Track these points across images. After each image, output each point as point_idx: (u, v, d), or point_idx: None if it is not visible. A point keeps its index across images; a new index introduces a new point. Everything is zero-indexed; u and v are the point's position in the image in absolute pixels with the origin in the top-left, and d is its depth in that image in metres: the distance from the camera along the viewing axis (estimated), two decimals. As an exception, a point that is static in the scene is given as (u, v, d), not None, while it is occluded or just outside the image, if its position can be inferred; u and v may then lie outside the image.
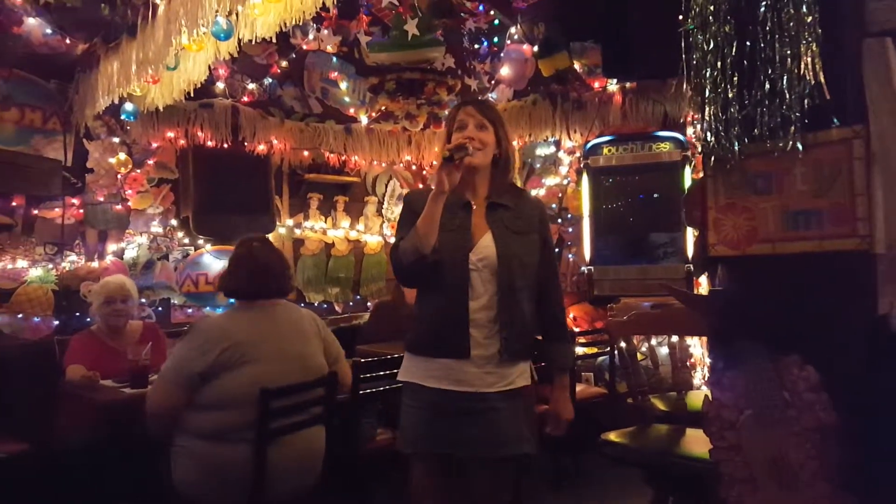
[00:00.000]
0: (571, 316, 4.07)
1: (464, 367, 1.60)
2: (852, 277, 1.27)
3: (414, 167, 4.82)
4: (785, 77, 1.30)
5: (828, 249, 1.27)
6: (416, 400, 1.65)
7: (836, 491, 1.24)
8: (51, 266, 3.43)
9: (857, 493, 1.21)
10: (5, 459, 2.48)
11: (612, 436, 2.01)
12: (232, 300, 3.57)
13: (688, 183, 3.41)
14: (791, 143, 1.29)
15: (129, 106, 3.31)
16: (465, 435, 1.58)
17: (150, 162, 3.87)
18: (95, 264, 3.58)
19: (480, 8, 3.62)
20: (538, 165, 4.36)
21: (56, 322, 3.38)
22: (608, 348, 3.38)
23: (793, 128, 1.29)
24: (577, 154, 4.03)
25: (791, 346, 1.29)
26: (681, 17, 1.42)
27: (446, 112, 4.21)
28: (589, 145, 3.74)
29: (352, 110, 4.46)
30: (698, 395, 2.43)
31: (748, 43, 1.33)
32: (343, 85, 4.20)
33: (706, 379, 3.37)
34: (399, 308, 3.34)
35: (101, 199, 3.67)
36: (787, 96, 1.29)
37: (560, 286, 1.80)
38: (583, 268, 3.90)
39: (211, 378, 1.89)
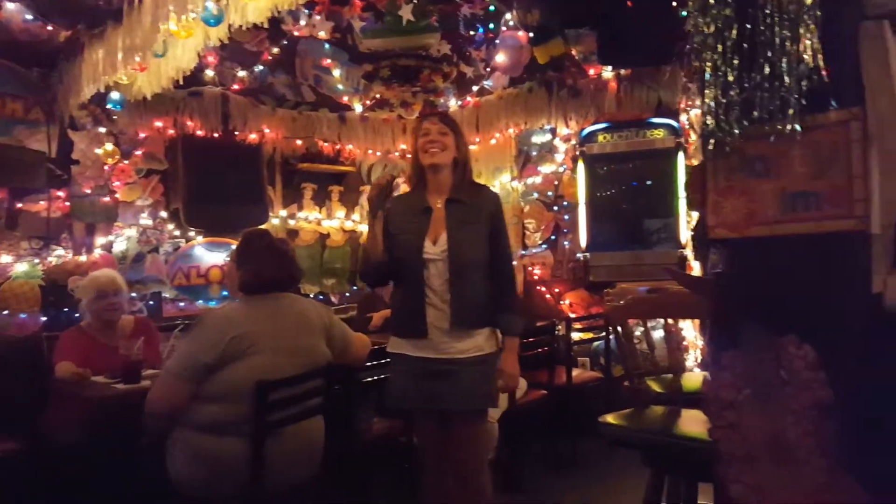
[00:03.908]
0: (567, 302, 4.09)
1: (435, 339, 1.96)
2: (849, 257, 1.28)
3: (409, 156, 4.79)
4: (784, 60, 1.30)
5: (825, 230, 1.28)
6: (402, 365, 2.02)
7: (834, 467, 1.26)
8: (37, 261, 3.36)
9: (854, 470, 1.23)
10: (-4, 458, 2.46)
11: (610, 418, 2.02)
12: (225, 293, 3.53)
13: (681, 169, 3.43)
14: (790, 125, 1.30)
15: (115, 95, 3.25)
16: (442, 392, 1.94)
17: (139, 152, 3.81)
18: (83, 258, 3.52)
19: (475, -6, 3.59)
20: (534, 153, 4.36)
21: (44, 318, 3.32)
22: (603, 333, 3.42)
23: (791, 110, 1.29)
24: (573, 141, 4.03)
25: (789, 325, 1.30)
26: (675, 3, 1.42)
27: (442, 100, 4.21)
28: (584, 132, 3.75)
29: (345, 98, 4.40)
30: (693, 377, 2.46)
31: (748, 26, 1.33)
32: (336, 72, 4.15)
33: (700, 361, 3.42)
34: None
35: (88, 191, 3.61)
36: (786, 79, 1.30)
37: (510, 267, 2.13)
38: (578, 254, 3.93)
39: (217, 369, 1.87)
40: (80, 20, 3.07)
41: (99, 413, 2.28)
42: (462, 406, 1.96)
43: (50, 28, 3.26)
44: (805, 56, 1.28)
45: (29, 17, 3.20)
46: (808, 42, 1.27)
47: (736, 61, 1.34)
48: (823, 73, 1.27)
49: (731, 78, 1.34)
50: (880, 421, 1.22)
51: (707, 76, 1.36)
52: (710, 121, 1.37)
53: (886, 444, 1.21)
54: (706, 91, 1.37)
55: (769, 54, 1.31)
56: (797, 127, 1.29)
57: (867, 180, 1.25)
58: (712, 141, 1.38)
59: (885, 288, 1.27)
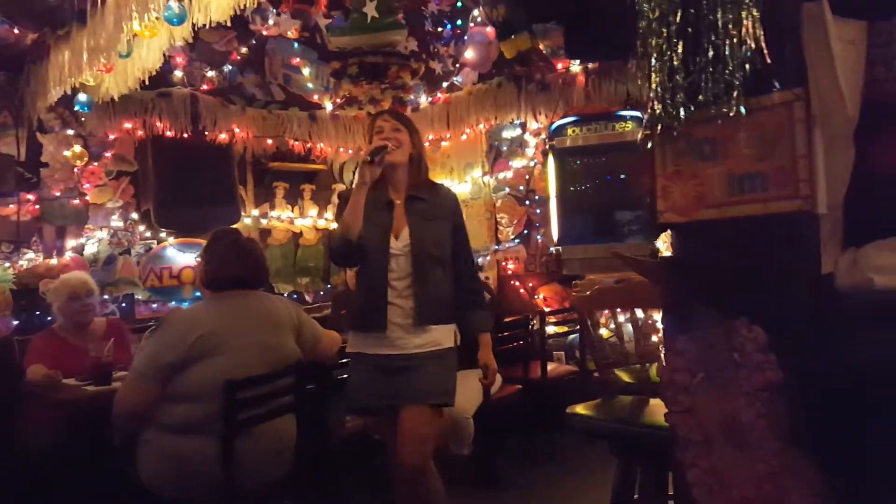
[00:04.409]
0: (541, 296, 4.11)
1: (393, 335, 1.96)
2: (797, 238, 1.29)
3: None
4: (727, 43, 1.31)
5: (772, 211, 1.29)
6: (360, 364, 2.02)
7: (786, 448, 1.26)
8: (7, 264, 3.35)
9: (806, 450, 1.24)
10: (-34, 462, 2.43)
11: (579, 408, 2.02)
12: (198, 293, 3.52)
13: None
14: (734, 107, 1.30)
15: (82, 97, 3.21)
16: (399, 389, 1.94)
17: (108, 154, 3.78)
18: (54, 261, 3.50)
19: (442, -10, 3.59)
20: (505, 148, 4.37)
21: (15, 322, 3.30)
22: (577, 326, 3.42)
23: (736, 93, 1.30)
24: (543, 135, 4.04)
25: (740, 308, 1.31)
26: (640, -5, 1.42)
27: (411, 96, 4.20)
28: (554, 126, 3.76)
29: (315, 97, 4.40)
30: (662, 367, 2.46)
31: (692, 10, 1.34)
32: (306, 71, 4.14)
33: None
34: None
35: (58, 193, 3.58)
36: (730, 62, 1.31)
37: (473, 263, 2.14)
38: (551, 248, 3.94)
39: (183, 368, 1.86)
40: (46, 23, 3.03)
41: (71, 415, 2.29)
42: (419, 402, 1.94)
43: (17, 31, 3.23)
44: (747, 39, 1.29)
45: (-6, 20, 3.16)
46: (749, 24, 1.28)
47: (681, 46, 1.34)
48: (766, 55, 1.28)
49: (676, 62, 1.35)
50: (832, 402, 1.22)
51: (653, 61, 1.37)
52: (656, 106, 1.37)
53: (838, 425, 1.22)
54: (652, 76, 1.38)
55: (713, 38, 1.31)
56: (742, 109, 1.30)
57: (811, 160, 1.26)
58: (659, 126, 1.39)
59: (836, 268, 1.28)
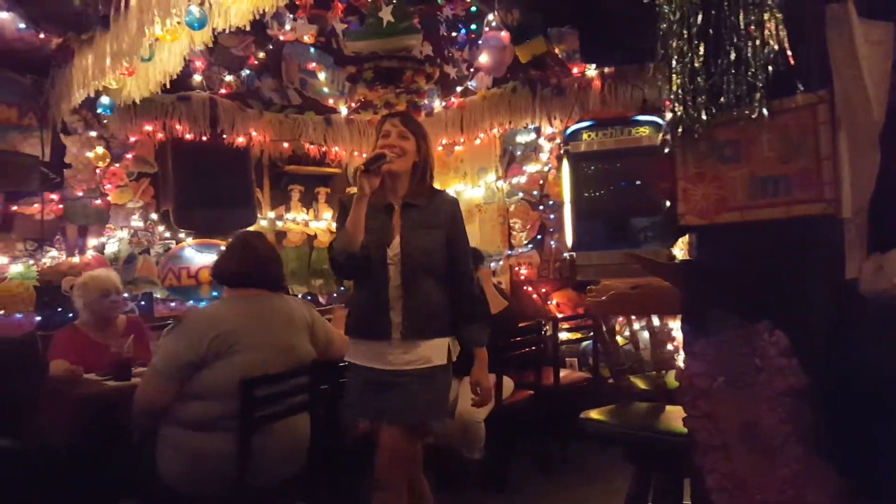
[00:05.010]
0: (554, 302, 4.08)
1: (385, 348, 1.88)
2: (820, 242, 1.27)
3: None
4: (750, 45, 1.30)
5: (795, 215, 1.27)
6: (354, 375, 1.96)
7: (809, 454, 1.24)
8: (31, 262, 3.42)
9: (829, 455, 1.22)
10: (-9, 455, 2.47)
11: (593, 414, 2.01)
12: (215, 293, 3.57)
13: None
14: (757, 110, 1.29)
15: (105, 99, 3.28)
16: (385, 405, 1.87)
17: (129, 156, 3.85)
18: (76, 259, 3.57)
19: (457, -6, 3.61)
20: (519, 153, 4.36)
21: (38, 318, 3.36)
22: (591, 333, 3.40)
23: (758, 95, 1.29)
24: (558, 140, 4.03)
25: (761, 312, 1.29)
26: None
27: (426, 101, 4.22)
28: (569, 131, 3.75)
29: (331, 101, 4.44)
30: (678, 374, 2.44)
31: (713, 12, 1.33)
32: (321, 75, 4.18)
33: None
34: None
35: (81, 193, 3.65)
36: (753, 64, 1.30)
37: (471, 275, 2.00)
38: (565, 254, 3.91)
39: (201, 367, 1.90)
40: (70, 27, 3.11)
41: (91, 410, 2.33)
42: (405, 420, 1.87)
43: (42, 36, 3.31)
44: (770, 41, 1.28)
45: (22, 25, 3.24)
46: (772, 26, 1.27)
47: (702, 48, 1.34)
48: (789, 56, 1.27)
49: (697, 64, 1.34)
50: (854, 407, 1.20)
51: (674, 63, 1.37)
52: (677, 108, 1.37)
53: (861, 430, 1.20)
54: (673, 78, 1.37)
55: (735, 40, 1.31)
56: (764, 112, 1.29)
57: (836, 163, 1.25)
58: (680, 128, 1.38)
59: (861, 273, 1.26)
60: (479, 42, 3.67)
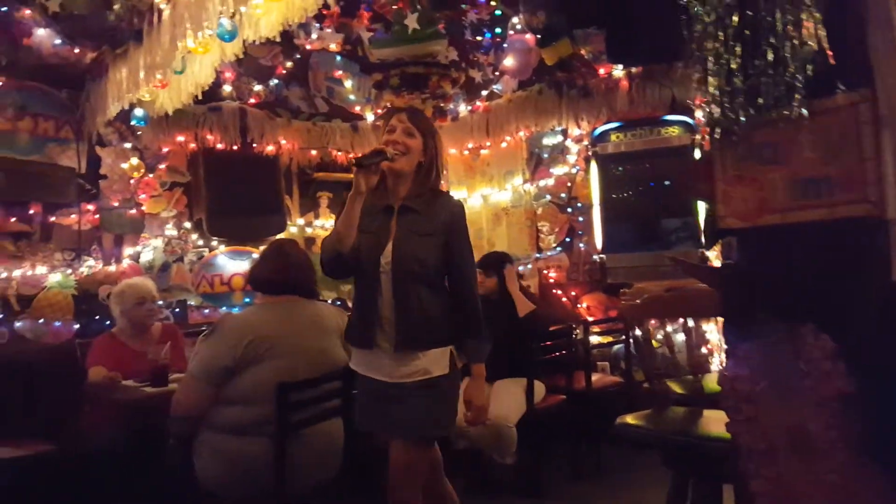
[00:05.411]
0: (584, 305, 4.04)
1: (382, 359, 1.79)
2: (864, 244, 1.25)
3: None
4: (788, 45, 1.28)
5: (838, 216, 1.25)
6: (359, 385, 1.90)
7: (856, 458, 1.22)
8: (69, 271, 3.49)
9: (877, 460, 1.20)
10: (32, 459, 2.55)
11: (629, 418, 1.99)
12: (248, 300, 3.62)
13: (699, 166, 3.38)
14: (796, 111, 1.28)
15: (139, 111, 3.36)
16: (387, 418, 1.80)
17: (162, 166, 3.92)
18: (112, 268, 3.65)
19: (481, -1, 3.62)
20: (546, 155, 4.33)
21: (76, 325, 3.44)
22: (623, 336, 3.36)
23: (798, 96, 1.27)
24: (585, 142, 4.00)
25: (805, 315, 1.27)
26: (685, -1, 1.41)
27: (451, 105, 4.23)
28: (597, 132, 3.72)
29: (357, 108, 4.48)
30: (715, 378, 2.39)
31: (749, 12, 1.32)
32: (348, 83, 4.22)
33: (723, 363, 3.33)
34: None
35: (116, 204, 3.74)
36: (791, 64, 1.28)
37: (471, 284, 1.87)
38: (594, 256, 3.88)
39: (237, 372, 1.93)
40: (104, 42, 3.19)
41: (129, 415, 2.39)
42: (409, 435, 1.79)
43: (77, 51, 3.39)
44: (809, 40, 1.26)
45: (58, 41, 3.33)
46: (811, 26, 1.25)
47: (738, 49, 1.32)
48: (829, 55, 1.25)
49: (734, 66, 1.32)
50: (902, 410, 1.18)
51: (709, 65, 1.35)
52: (714, 109, 1.35)
53: (910, 435, 1.17)
54: (709, 80, 1.36)
55: (772, 40, 1.29)
56: (804, 112, 1.27)
57: (879, 163, 1.22)
58: (718, 130, 1.37)
59: (907, 275, 1.23)
60: (504, 45, 3.67)
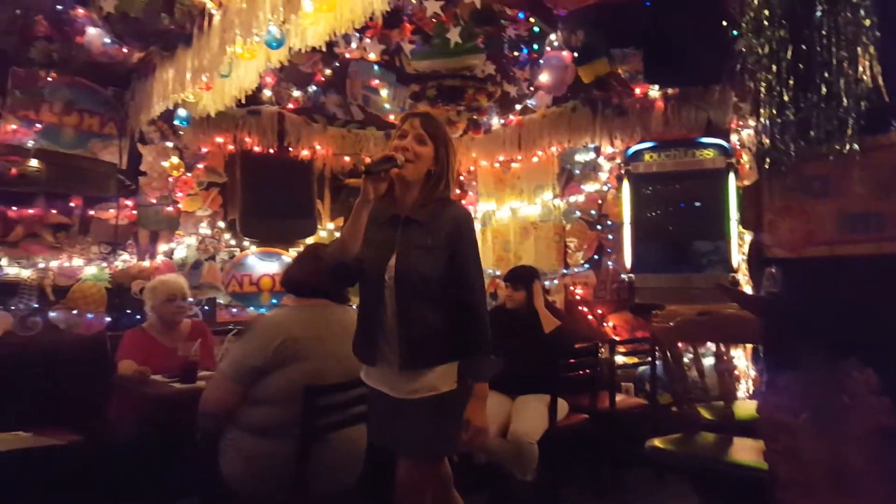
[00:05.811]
0: (611, 324, 4.02)
1: (388, 374, 1.74)
2: (913, 281, 1.25)
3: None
4: (842, 80, 1.29)
5: (887, 252, 1.26)
6: (369, 397, 1.85)
7: (897, 497, 1.21)
8: (104, 264, 3.56)
9: (920, 500, 1.19)
10: (61, 449, 2.61)
11: (658, 442, 1.99)
12: (275, 300, 3.65)
13: (733, 190, 3.36)
14: (848, 146, 1.28)
15: (182, 112, 3.44)
16: (395, 433, 1.75)
17: (200, 166, 4.01)
18: (147, 264, 3.71)
19: (521, 15, 3.65)
20: (577, 171, 4.33)
21: (108, 319, 3.51)
22: (649, 358, 3.34)
23: (850, 131, 1.28)
24: (618, 160, 3.99)
25: (849, 348, 1.27)
26: (724, 22, 1.42)
27: (485, 118, 4.26)
28: (630, 151, 3.72)
29: (392, 117, 4.53)
30: (746, 405, 2.38)
31: (803, 47, 1.33)
32: (384, 92, 4.27)
33: (752, 391, 3.29)
34: None
35: (154, 200, 3.81)
36: (844, 99, 1.29)
37: (475, 298, 1.76)
38: (623, 275, 3.86)
39: (266, 373, 1.95)
40: (153, 43, 3.26)
41: (157, 409, 2.41)
42: (411, 452, 1.74)
43: (125, 50, 3.48)
44: (864, 77, 1.27)
45: (107, 40, 3.44)
46: (866, 62, 1.26)
47: (791, 81, 1.33)
48: (883, 92, 1.25)
49: (786, 98, 1.34)
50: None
51: (762, 96, 1.37)
52: (765, 140, 1.36)
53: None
54: (761, 110, 1.37)
55: (826, 75, 1.30)
56: (856, 147, 1.28)
57: (932, 202, 1.23)
58: (768, 160, 1.38)
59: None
60: (541, 61, 3.70)
